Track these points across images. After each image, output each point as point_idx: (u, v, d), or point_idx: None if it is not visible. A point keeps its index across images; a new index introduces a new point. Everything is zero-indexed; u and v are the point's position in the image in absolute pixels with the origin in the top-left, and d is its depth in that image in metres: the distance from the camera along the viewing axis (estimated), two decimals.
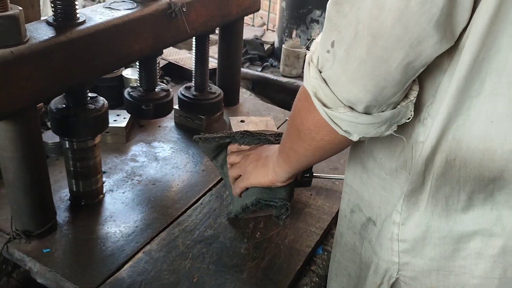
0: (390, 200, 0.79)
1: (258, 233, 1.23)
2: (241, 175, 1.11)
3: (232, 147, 1.17)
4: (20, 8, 0.92)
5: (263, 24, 3.01)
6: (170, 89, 1.47)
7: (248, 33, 2.66)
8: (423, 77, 0.67)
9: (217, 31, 1.69)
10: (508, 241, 0.70)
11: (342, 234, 0.94)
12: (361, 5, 0.59)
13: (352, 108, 0.66)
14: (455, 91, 0.64)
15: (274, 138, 1.13)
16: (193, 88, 1.66)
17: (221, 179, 1.40)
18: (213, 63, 1.84)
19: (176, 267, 1.11)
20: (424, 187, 0.72)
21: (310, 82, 0.69)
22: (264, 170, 1.03)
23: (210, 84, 1.68)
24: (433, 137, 0.68)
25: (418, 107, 0.70)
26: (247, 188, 1.11)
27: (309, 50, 0.75)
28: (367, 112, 0.66)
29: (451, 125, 0.66)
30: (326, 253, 1.25)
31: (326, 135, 0.75)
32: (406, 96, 0.68)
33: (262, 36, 2.66)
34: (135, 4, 1.22)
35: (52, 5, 1.03)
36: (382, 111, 0.67)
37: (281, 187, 1.06)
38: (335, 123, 0.69)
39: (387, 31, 0.58)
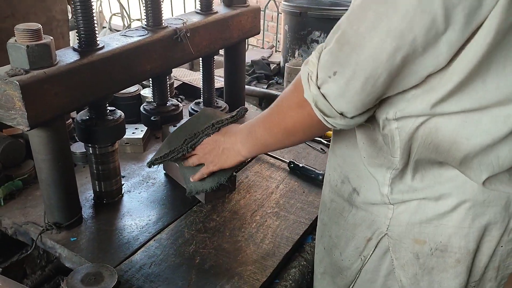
0: (373, 175, 0.96)
1: (254, 224, 1.41)
2: (203, 164, 1.31)
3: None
4: (51, 37, 1.14)
5: (272, 46, 3.23)
6: (180, 104, 1.67)
7: (256, 55, 2.88)
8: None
9: (222, 52, 1.90)
10: (474, 197, 0.87)
11: (332, 200, 1.10)
12: (360, 52, 0.76)
13: (344, 116, 0.86)
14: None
15: (211, 129, 1.27)
16: (202, 103, 1.87)
17: None
18: (221, 82, 2.06)
19: (182, 251, 1.29)
20: (408, 165, 0.89)
21: (310, 95, 0.86)
22: (228, 154, 1.23)
23: (217, 99, 1.89)
24: (413, 126, 0.84)
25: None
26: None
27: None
28: (353, 117, 0.86)
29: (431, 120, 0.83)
30: (314, 241, 1.41)
31: (315, 130, 0.97)
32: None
33: (269, 57, 2.87)
34: (146, 31, 1.45)
35: (77, 35, 1.26)
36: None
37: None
38: (330, 124, 0.88)
39: (378, 76, 0.76)
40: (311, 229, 1.43)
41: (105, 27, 3.90)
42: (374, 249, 1.00)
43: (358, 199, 1.01)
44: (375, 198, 0.97)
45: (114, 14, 3.99)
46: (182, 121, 1.58)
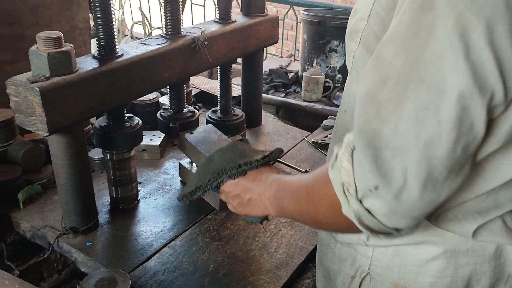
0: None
1: (268, 233, 1.40)
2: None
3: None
4: (72, 45, 1.17)
5: (290, 55, 3.24)
6: (196, 111, 1.69)
7: (274, 63, 2.89)
8: None
9: (239, 61, 1.91)
10: (456, 247, 0.80)
11: (320, 231, 1.05)
12: (407, 155, 0.59)
13: (400, 230, 0.69)
14: None
15: (236, 172, 0.99)
16: (219, 111, 1.88)
17: None
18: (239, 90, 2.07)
19: (195, 259, 1.29)
20: None
21: (350, 211, 0.67)
22: (252, 209, 0.97)
23: (233, 108, 1.89)
24: None
25: None
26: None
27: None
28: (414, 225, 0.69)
29: None
30: None
31: (355, 230, 0.74)
32: None
33: (287, 65, 2.87)
34: (165, 40, 1.47)
35: (97, 43, 1.29)
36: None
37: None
38: (383, 238, 0.71)
39: (440, 178, 0.60)
40: None
41: (127, 35, 3.96)
42: (359, 287, 0.92)
43: (338, 237, 0.94)
44: (352, 239, 0.90)
45: (136, 23, 4.05)
46: (199, 128, 1.59)
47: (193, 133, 1.53)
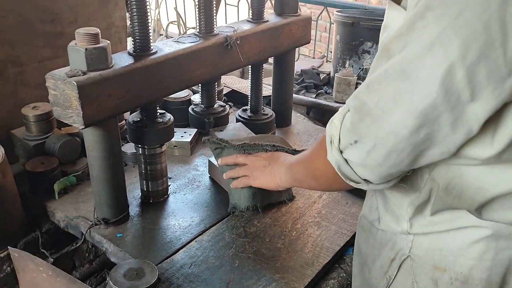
0: (394, 208, 0.95)
1: (295, 232, 1.40)
2: (248, 176, 1.37)
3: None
4: (108, 41, 1.21)
5: (323, 56, 3.22)
6: (226, 106, 1.70)
7: (306, 64, 2.89)
8: None
9: (271, 61, 1.92)
10: (498, 231, 0.83)
11: (363, 216, 1.09)
12: (381, 126, 0.74)
13: (368, 182, 0.84)
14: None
15: (271, 148, 1.41)
16: (249, 110, 1.89)
17: None
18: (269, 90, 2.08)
19: (221, 254, 1.31)
20: (429, 202, 0.87)
21: (333, 158, 0.85)
22: (271, 177, 1.30)
23: (263, 107, 1.90)
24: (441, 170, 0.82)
25: None
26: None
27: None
28: (379, 184, 0.85)
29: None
30: None
31: (341, 186, 0.95)
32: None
33: (319, 66, 2.86)
34: (198, 38, 1.49)
35: (132, 40, 1.33)
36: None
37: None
38: (355, 186, 0.88)
39: (401, 150, 0.75)
40: (353, 241, 1.41)
41: (162, 35, 4.04)
42: (398, 270, 0.97)
43: (379, 226, 1.01)
44: (394, 229, 0.96)
45: (171, 22, 4.13)
46: (229, 125, 1.62)
47: (222, 131, 1.55)
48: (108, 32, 2.08)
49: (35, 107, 1.65)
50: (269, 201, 1.46)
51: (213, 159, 1.64)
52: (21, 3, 1.71)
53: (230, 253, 1.31)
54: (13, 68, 1.75)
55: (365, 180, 0.84)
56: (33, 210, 1.54)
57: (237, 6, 3.65)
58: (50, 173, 1.53)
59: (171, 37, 3.85)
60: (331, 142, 0.85)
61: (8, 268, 1.43)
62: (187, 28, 4.00)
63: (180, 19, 3.96)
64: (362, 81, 2.53)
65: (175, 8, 3.99)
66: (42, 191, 1.53)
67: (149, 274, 1.12)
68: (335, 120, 0.84)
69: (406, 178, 0.88)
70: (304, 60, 3.19)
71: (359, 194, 1.58)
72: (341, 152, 0.83)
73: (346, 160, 0.83)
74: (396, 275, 0.98)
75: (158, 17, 4.30)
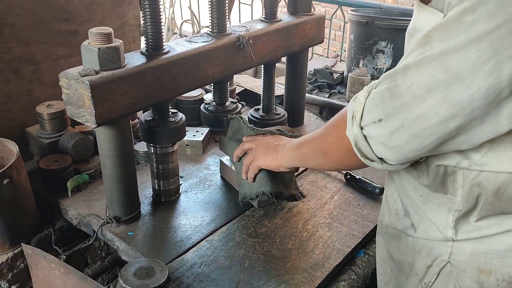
0: (432, 217, 0.93)
1: (305, 233, 1.40)
2: (252, 156, 1.33)
3: (245, 138, 1.41)
4: (121, 41, 1.21)
5: (336, 55, 3.20)
6: (238, 103, 1.70)
7: (319, 63, 2.87)
8: None
9: (284, 60, 1.92)
10: None
11: (390, 225, 1.06)
12: (410, 110, 0.74)
13: (384, 161, 0.84)
14: None
15: (276, 130, 1.41)
16: (261, 110, 1.89)
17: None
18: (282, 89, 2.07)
19: (232, 254, 1.31)
20: (476, 209, 0.86)
21: (352, 133, 0.84)
22: (273, 156, 1.25)
23: (276, 107, 1.90)
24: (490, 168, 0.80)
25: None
26: (260, 171, 1.32)
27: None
28: (393, 165, 0.85)
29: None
30: (367, 256, 1.37)
31: (351, 164, 0.96)
32: None
33: (333, 66, 2.85)
34: (210, 37, 1.49)
35: (145, 40, 1.33)
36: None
37: (290, 182, 1.40)
38: (368, 164, 0.87)
39: (427, 136, 0.75)
40: (364, 243, 1.40)
41: (176, 33, 4.05)
42: (437, 277, 0.95)
43: (415, 234, 0.98)
44: (435, 236, 0.93)
45: (185, 21, 4.14)
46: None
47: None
48: (122, 30, 2.09)
49: (50, 105, 1.67)
50: (278, 189, 1.33)
51: (224, 159, 1.64)
52: (36, 2, 1.73)
53: (240, 253, 1.31)
54: (28, 66, 1.77)
55: (380, 158, 0.83)
56: (46, 207, 1.56)
57: (251, 5, 3.65)
58: (64, 171, 1.55)
59: (185, 36, 3.86)
60: (352, 117, 0.83)
61: (22, 264, 1.45)
62: (201, 27, 4.01)
63: (194, 18, 3.97)
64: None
65: (189, 7, 4.00)
66: (56, 188, 1.55)
67: (159, 273, 1.12)
68: (359, 96, 0.83)
69: (440, 185, 0.87)
70: (317, 59, 3.18)
71: (371, 195, 1.56)
72: (361, 128, 0.82)
73: (365, 137, 0.82)
74: (434, 281, 0.96)
75: (172, 15, 4.32)
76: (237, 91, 2.26)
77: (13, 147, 1.43)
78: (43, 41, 1.80)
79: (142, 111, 1.51)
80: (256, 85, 2.44)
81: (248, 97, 2.36)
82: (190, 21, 4.04)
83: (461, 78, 0.69)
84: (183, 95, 1.89)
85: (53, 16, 1.81)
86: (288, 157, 1.21)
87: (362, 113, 0.81)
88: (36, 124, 1.70)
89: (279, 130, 1.41)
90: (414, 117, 0.74)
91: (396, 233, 1.03)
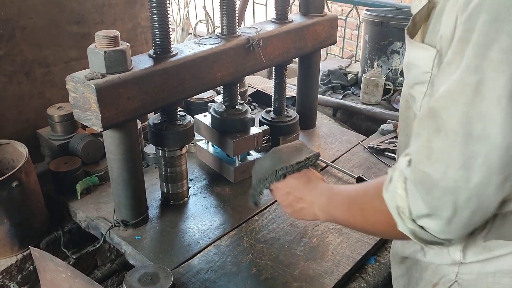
0: None
1: (314, 239, 1.37)
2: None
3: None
4: (128, 44, 1.20)
5: (351, 56, 3.15)
6: (247, 107, 1.66)
7: (333, 64, 2.83)
8: None
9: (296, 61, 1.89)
10: None
11: (395, 254, 1.04)
12: (458, 195, 0.66)
13: (450, 241, 0.75)
14: None
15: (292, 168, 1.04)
16: (272, 112, 1.86)
17: None
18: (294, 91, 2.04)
19: (239, 260, 1.29)
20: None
21: (406, 228, 0.74)
22: (301, 215, 1.04)
23: (287, 109, 1.87)
24: None
25: None
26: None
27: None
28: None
29: None
30: (378, 263, 1.34)
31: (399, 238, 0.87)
32: None
33: (347, 66, 2.80)
34: (220, 39, 1.47)
35: (153, 42, 1.32)
36: None
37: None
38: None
39: (486, 207, 0.68)
40: (375, 249, 1.37)
41: (191, 33, 4.04)
42: None
43: (424, 258, 0.95)
44: (444, 260, 0.90)
45: (200, 21, 4.13)
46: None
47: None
48: (134, 32, 2.09)
49: (60, 107, 1.67)
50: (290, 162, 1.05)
51: (200, 143, 1.77)
52: (48, 5, 1.74)
53: (247, 259, 1.29)
54: (41, 68, 1.78)
55: (446, 240, 0.74)
56: (57, 210, 1.57)
57: (265, 5, 3.62)
58: (73, 173, 1.55)
59: (200, 36, 3.85)
60: (399, 213, 0.74)
61: (31, 266, 1.46)
62: (216, 27, 3.99)
63: (209, 18, 3.95)
64: (391, 82, 2.47)
65: (204, 7, 3.98)
66: (65, 190, 1.55)
67: (163, 279, 1.11)
68: (397, 189, 0.74)
69: None
70: (332, 59, 3.13)
71: None
72: (414, 221, 0.73)
73: (422, 227, 0.73)
74: None
75: (187, 16, 4.31)
76: (249, 93, 2.24)
77: (23, 150, 1.44)
78: (55, 44, 1.81)
79: (154, 113, 1.50)
80: (269, 86, 2.41)
81: (260, 98, 2.34)
82: (204, 22, 4.03)
83: (494, 142, 0.63)
84: (194, 96, 1.88)
85: (65, 19, 1.81)
86: (323, 216, 1.00)
87: (409, 209, 0.72)
88: (47, 126, 1.71)
89: (305, 160, 1.05)
90: (465, 199, 0.66)
91: (403, 260, 1.01)
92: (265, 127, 1.72)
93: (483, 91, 0.63)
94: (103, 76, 1.16)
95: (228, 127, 1.61)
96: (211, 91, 1.98)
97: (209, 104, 1.76)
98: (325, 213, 0.98)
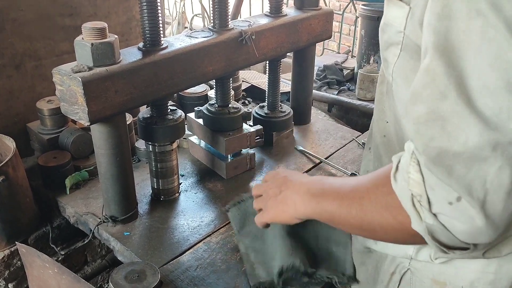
0: None
1: None
2: (261, 209, 0.92)
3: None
4: (116, 36, 1.18)
5: (348, 51, 3.12)
6: (240, 107, 1.64)
7: (329, 59, 2.80)
8: None
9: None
10: (500, 242, 0.74)
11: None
12: (484, 165, 0.55)
13: (477, 247, 0.62)
14: None
15: None
16: (266, 107, 1.84)
17: None
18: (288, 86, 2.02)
19: (229, 257, 1.27)
20: None
21: (422, 227, 0.62)
22: (282, 207, 0.86)
23: (281, 104, 1.85)
24: None
25: None
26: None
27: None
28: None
29: None
30: None
31: (404, 241, 0.75)
32: None
33: (343, 62, 2.78)
34: (211, 33, 1.45)
35: (142, 34, 1.29)
36: None
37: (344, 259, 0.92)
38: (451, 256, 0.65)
39: None
40: None
41: (187, 27, 4.01)
42: (399, 284, 0.91)
43: (376, 247, 0.94)
44: (398, 252, 0.89)
45: (196, 15, 4.10)
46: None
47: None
48: (128, 25, 2.06)
49: (50, 101, 1.65)
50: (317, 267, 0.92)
51: (192, 138, 1.73)
52: None
53: (237, 257, 1.27)
54: (31, 62, 1.75)
55: (474, 244, 0.61)
56: (46, 205, 1.55)
57: None
58: (62, 168, 1.53)
59: (196, 30, 3.82)
60: (414, 205, 0.61)
61: (19, 262, 1.44)
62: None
63: (205, 12, 3.92)
64: None
65: (200, 1, 3.95)
66: (55, 185, 1.53)
67: (150, 276, 1.09)
68: (411, 175, 0.61)
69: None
70: (328, 55, 3.11)
71: None
72: (435, 215, 0.60)
73: (444, 226, 0.60)
74: None
75: (183, 9, 4.28)
76: (243, 87, 2.21)
77: (11, 144, 1.42)
78: (47, 37, 1.78)
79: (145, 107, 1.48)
80: (264, 81, 2.39)
81: (255, 93, 2.31)
82: (200, 15, 3.99)
83: None
84: (187, 90, 1.85)
85: (57, 11, 1.78)
86: (304, 210, 0.82)
87: (427, 196, 0.60)
88: (37, 120, 1.68)
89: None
90: (495, 169, 0.54)
91: (363, 240, 0.99)
92: (259, 126, 1.69)
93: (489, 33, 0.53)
94: (90, 69, 1.13)
95: (220, 126, 1.59)
96: (204, 85, 1.95)
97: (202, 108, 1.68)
98: (310, 203, 0.80)
